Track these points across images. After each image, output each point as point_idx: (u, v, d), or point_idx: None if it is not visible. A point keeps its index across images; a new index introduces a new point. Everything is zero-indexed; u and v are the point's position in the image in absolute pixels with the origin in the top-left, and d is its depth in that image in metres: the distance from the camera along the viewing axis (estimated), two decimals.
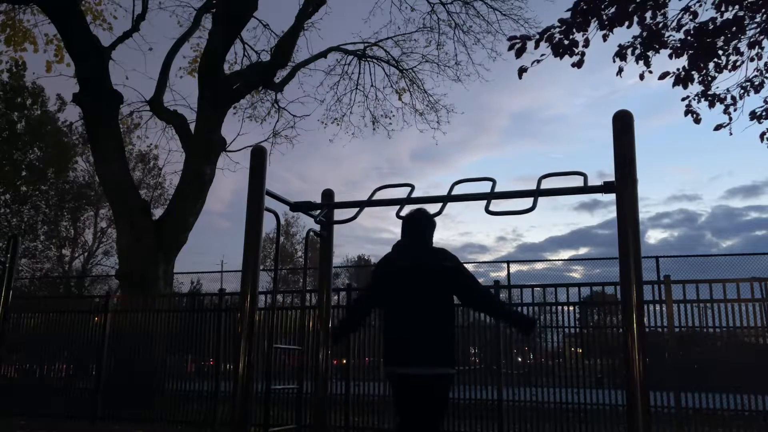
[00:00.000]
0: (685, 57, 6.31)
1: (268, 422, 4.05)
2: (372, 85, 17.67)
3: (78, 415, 9.37)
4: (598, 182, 3.07)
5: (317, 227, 3.93)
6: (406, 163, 69.87)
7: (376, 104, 19.07)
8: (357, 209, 3.52)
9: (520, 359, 8.69)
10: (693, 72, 6.47)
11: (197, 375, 9.53)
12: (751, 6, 5.97)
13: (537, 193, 3.15)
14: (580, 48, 6.20)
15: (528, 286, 8.25)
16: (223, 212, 61.96)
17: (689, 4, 6.18)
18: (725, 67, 6.54)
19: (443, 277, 3.56)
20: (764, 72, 6.73)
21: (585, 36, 6.14)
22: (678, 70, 6.47)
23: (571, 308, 7.92)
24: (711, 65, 6.50)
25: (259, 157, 3.38)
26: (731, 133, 9.00)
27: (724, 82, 12.95)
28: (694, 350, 7.51)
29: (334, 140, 38.94)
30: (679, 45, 6.27)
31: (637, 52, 6.35)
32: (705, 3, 6.14)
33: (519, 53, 5.98)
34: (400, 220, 3.74)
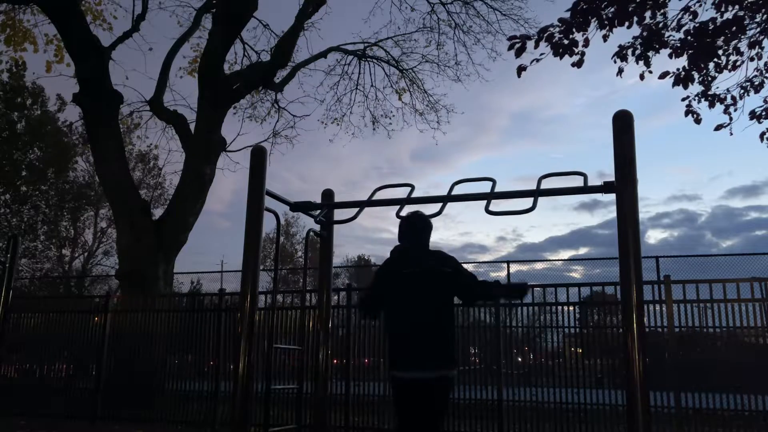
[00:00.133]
0: (685, 57, 6.31)
1: (268, 422, 4.05)
2: (372, 85, 17.71)
3: (78, 415, 9.37)
4: (598, 182, 3.07)
5: (317, 227, 3.93)
6: (406, 163, 69.90)
7: (376, 104, 19.10)
8: (357, 209, 3.52)
9: (520, 359, 8.69)
10: (693, 72, 6.47)
11: (197, 375, 9.53)
12: (751, 6, 5.97)
13: (537, 193, 3.15)
14: (580, 48, 6.20)
15: (528, 286, 8.24)
16: (223, 212, 61.98)
17: (689, 4, 6.18)
18: (725, 67, 6.54)
19: (444, 282, 3.61)
20: (764, 72, 6.73)
21: (585, 36, 6.14)
22: (678, 70, 6.47)
23: (571, 308, 7.92)
24: (711, 65, 6.50)
25: (259, 157, 3.38)
26: (731, 133, 8.99)
27: (724, 82, 12.96)
28: (694, 350, 7.51)
29: (334, 140, 38.97)
30: (679, 45, 6.27)
31: (637, 52, 6.35)
32: (705, 3, 6.14)
33: (519, 53, 5.98)
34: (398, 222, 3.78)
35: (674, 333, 7.29)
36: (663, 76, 6.47)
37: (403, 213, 3.60)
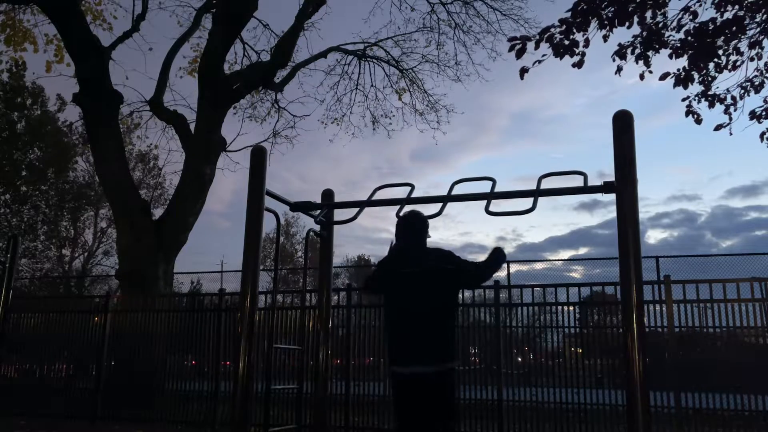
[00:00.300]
0: (685, 57, 6.31)
1: (268, 422, 4.05)
2: (372, 85, 17.70)
3: (78, 415, 9.37)
4: (598, 182, 3.07)
5: (317, 227, 3.94)
6: (406, 163, 69.88)
7: (376, 104, 19.10)
8: (357, 209, 3.52)
9: (520, 359, 8.69)
10: (693, 72, 6.47)
11: (197, 375, 9.53)
12: (751, 6, 5.97)
13: (537, 193, 3.15)
14: (581, 48, 6.21)
15: (528, 286, 8.26)
16: (223, 212, 61.98)
17: (689, 4, 6.18)
18: (725, 67, 6.54)
19: (446, 279, 3.65)
20: (764, 72, 6.73)
21: (585, 36, 6.14)
22: (678, 70, 6.47)
23: (571, 308, 7.92)
24: (711, 65, 6.50)
25: (259, 157, 3.38)
26: (731, 133, 9.00)
27: (724, 82, 12.96)
28: (694, 350, 7.51)
29: (334, 140, 38.99)
30: (679, 45, 6.27)
31: (637, 51, 6.35)
32: (705, 3, 6.14)
33: (519, 54, 5.97)
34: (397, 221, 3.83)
35: (674, 333, 7.29)
36: (663, 77, 6.47)
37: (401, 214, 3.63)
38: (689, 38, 6.20)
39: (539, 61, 6.11)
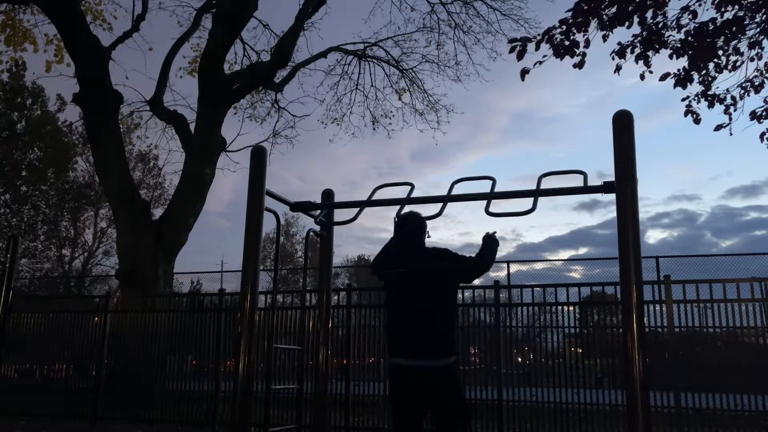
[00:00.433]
0: (685, 57, 6.31)
1: (268, 422, 4.05)
2: (372, 85, 17.69)
3: (78, 415, 9.37)
4: (598, 182, 3.07)
5: (317, 227, 3.94)
6: (406, 163, 69.89)
7: (376, 104, 19.11)
8: (357, 209, 3.52)
9: (520, 359, 8.69)
10: (693, 72, 6.47)
11: (197, 375, 9.52)
12: (751, 6, 5.97)
13: (537, 193, 3.15)
14: (581, 48, 6.20)
15: (528, 286, 8.25)
16: (223, 212, 61.99)
17: (689, 4, 6.17)
18: (725, 67, 6.54)
19: (443, 278, 3.69)
20: (764, 72, 6.73)
21: (585, 36, 6.14)
22: (678, 70, 6.46)
23: (571, 308, 7.92)
24: (711, 65, 6.49)
25: (259, 157, 3.38)
26: (731, 134, 8.99)
27: (724, 82, 12.95)
28: (694, 350, 7.50)
29: (334, 140, 39.02)
30: (679, 45, 6.27)
31: (637, 51, 6.35)
32: (705, 3, 6.14)
33: (520, 56, 5.97)
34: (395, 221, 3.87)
35: (674, 333, 7.29)
36: (663, 78, 6.47)
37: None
38: (689, 38, 6.20)
39: (540, 62, 6.11)
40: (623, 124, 2.94)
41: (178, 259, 11.94)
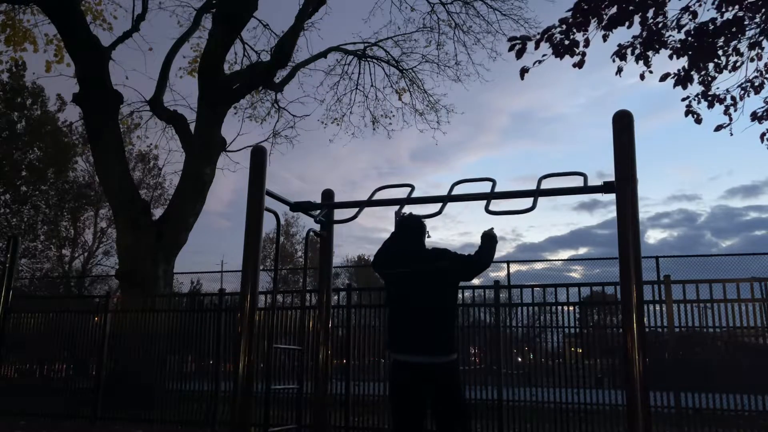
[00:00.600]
0: (685, 57, 6.31)
1: (268, 422, 4.05)
2: (372, 85, 17.69)
3: (78, 415, 9.37)
4: (598, 182, 3.07)
5: (317, 227, 3.94)
6: (406, 163, 69.88)
7: (376, 104, 19.09)
8: (357, 208, 3.53)
9: (520, 359, 8.69)
10: (693, 72, 6.47)
11: (197, 375, 9.52)
12: (751, 6, 5.97)
13: (537, 193, 3.16)
14: (581, 48, 6.20)
15: (528, 286, 8.25)
16: (223, 212, 61.98)
17: (689, 4, 6.17)
18: (725, 67, 6.54)
19: (442, 278, 3.72)
20: (764, 73, 6.73)
21: (585, 36, 6.14)
22: (678, 70, 6.46)
23: (571, 308, 7.92)
24: (711, 66, 6.49)
25: (259, 157, 3.38)
26: (731, 134, 8.99)
27: (724, 82, 12.95)
28: (694, 350, 7.50)
29: (334, 140, 38.93)
30: (679, 45, 6.26)
31: (637, 51, 6.35)
32: (705, 3, 6.13)
33: (519, 54, 5.97)
34: (395, 221, 3.93)
35: (674, 333, 7.29)
36: (663, 78, 6.46)
37: (399, 215, 3.69)
38: (689, 38, 6.20)
39: (539, 61, 6.10)
40: (623, 124, 2.95)
41: (178, 259, 11.96)
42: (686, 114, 6.78)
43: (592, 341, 7.98)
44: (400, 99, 16.45)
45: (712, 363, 7.25)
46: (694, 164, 76.56)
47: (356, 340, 8.48)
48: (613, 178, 2.96)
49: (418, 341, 3.57)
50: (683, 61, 6.37)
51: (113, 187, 11.71)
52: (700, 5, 6.13)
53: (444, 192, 3.43)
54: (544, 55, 6.09)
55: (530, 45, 6.01)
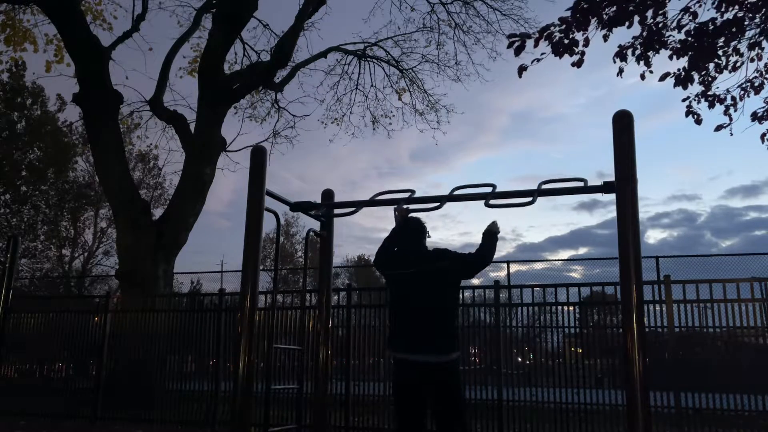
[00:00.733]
0: (685, 57, 6.30)
1: (268, 422, 4.05)
2: (372, 85, 17.66)
3: (78, 415, 9.37)
4: (598, 182, 3.07)
5: (317, 227, 3.95)
6: (406, 163, 69.93)
7: (376, 104, 19.04)
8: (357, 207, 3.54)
9: (520, 359, 8.69)
10: (693, 72, 6.46)
11: (197, 375, 9.52)
12: (751, 6, 5.96)
13: (537, 193, 3.16)
14: (580, 47, 6.19)
15: (528, 286, 8.25)
16: (223, 212, 62.00)
17: (689, 5, 6.17)
18: (725, 67, 6.53)
19: (443, 277, 3.73)
20: (764, 73, 6.72)
21: (585, 35, 6.13)
22: (678, 70, 6.46)
23: (571, 308, 7.92)
24: (711, 66, 6.49)
25: (259, 157, 3.39)
26: (732, 134, 8.99)
27: (725, 82, 12.95)
28: (694, 350, 7.50)
29: (334, 140, 38.86)
30: (679, 45, 6.26)
31: (637, 52, 6.35)
32: (705, 3, 6.13)
33: (518, 51, 5.95)
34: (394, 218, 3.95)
35: (674, 333, 7.29)
36: (663, 78, 6.46)
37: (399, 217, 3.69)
38: (689, 38, 6.19)
39: (538, 60, 6.09)
40: (623, 124, 2.95)
41: (178, 259, 11.95)
42: (686, 114, 6.78)
43: (592, 341, 7.98)
44: (400, 99, 16.46)
45: (712, 363, 7.25)
46: (694, 164, 76.64)
47: (356, 340, 8.48)
48: (613, 178, 2.96)
49: (418, 340, 3.59)
50: (683, 61, 6.37)
51: (113, 187, 11.71)
52: (700, 5, 6.13)
53: (444, 193, 3.44)
54: (542, 54, 6.08)
55: (529, 43, 5.99)
